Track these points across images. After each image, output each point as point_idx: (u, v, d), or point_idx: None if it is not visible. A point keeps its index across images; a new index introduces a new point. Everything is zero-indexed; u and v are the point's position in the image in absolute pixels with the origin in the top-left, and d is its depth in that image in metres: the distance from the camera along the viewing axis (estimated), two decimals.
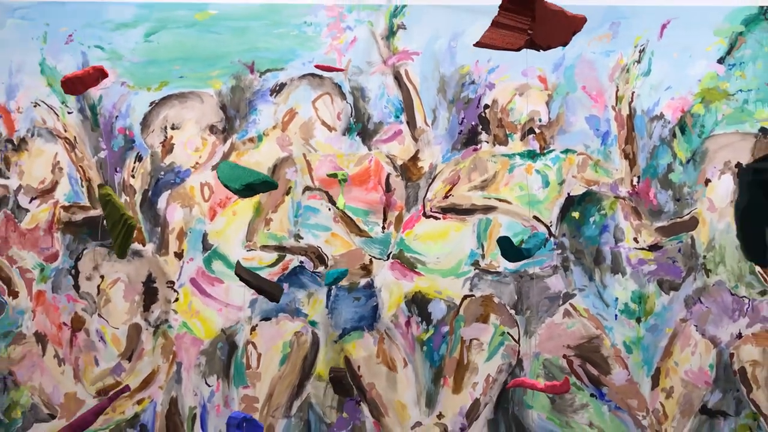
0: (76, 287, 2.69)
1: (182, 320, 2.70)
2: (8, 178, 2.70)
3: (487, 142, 2.75)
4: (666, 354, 2.70)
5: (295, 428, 2.68)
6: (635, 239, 2.71)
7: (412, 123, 2.74)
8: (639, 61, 2.74)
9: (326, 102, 2.73)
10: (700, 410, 2.70)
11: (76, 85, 1.94)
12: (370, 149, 2.74)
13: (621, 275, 2.71)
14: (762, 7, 2.73)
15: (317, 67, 2.57)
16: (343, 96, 2.73)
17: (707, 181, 2.71)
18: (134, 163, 2.71)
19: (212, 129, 2.73)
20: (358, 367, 2.69)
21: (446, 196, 2.74)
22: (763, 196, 1.53)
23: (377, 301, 2.72)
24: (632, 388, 2.70)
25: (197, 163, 2.72)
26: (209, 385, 2.69)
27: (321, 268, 2.70)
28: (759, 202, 1.56)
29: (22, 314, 2.68)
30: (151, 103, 2.72)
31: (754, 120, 2.72)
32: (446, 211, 2.74)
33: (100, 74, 1.94)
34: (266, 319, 2.70)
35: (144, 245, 2.69)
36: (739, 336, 2.70)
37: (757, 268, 2.67)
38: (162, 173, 2.71)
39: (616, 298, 2.71)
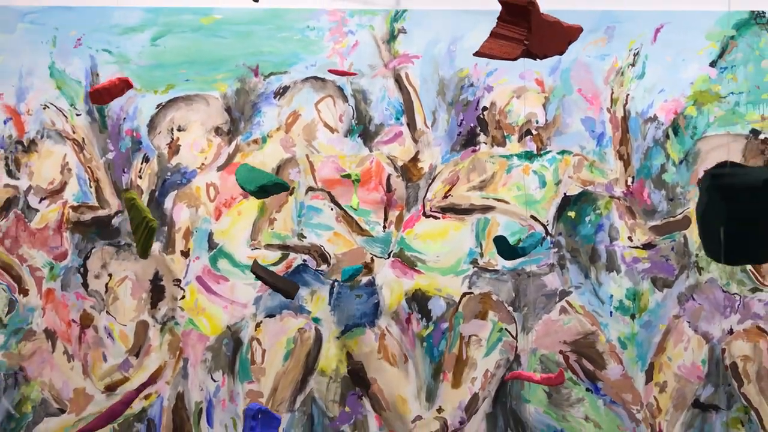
0: (85, 285, 2.71)
1: (188, 317, 2.71)
2: (18, 178, 2.71)
3: (486, 144, 2.75)
4: (659, 349, 2.72)
5: (299, 422, 2.69)
6: (630, 238, 2.72)
7: (412, 125, 2.75)
8: (633, 65, 2.74)
9: (329, 104, 2.74)
10: (692, 404, 2.72)
11: (103, 95, 1.98)
12: (371, 150, 2.75)
13: (616, 273, 2.73)
14: (753, 11, 2.73)
15: (331, 71, 2.58)
16: (345, 98, 2.74)
17: (699, 182, 2.76)
18: (141, 164, 2.72)
19: (217, 131, 2.74)
20: (360, 362, 2.72)
21: (445, 196, 2.75)
22: (718, 200, 1.59)
23: (378, 299, 2.73)
24: (627, 383, 2.72)
25: (203, 164, 2.73)
26: (215, 381, 2.70)
27: (323, 267, 2.73)
28: (715, 205, 1.62)
29: (32, 311, 2.70)
30: (158, 106, 2.72)
31: (745, 122, 2.73)
32: (445, 210, 2.75)
33: (125, 85, 1.98)
34: (270, 316, 2.71)
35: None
36: (731, 332, 2.72)
37: (749, 266, 2.72)
38: (168, 174, 2.72)
39: (611, 295, 2.73)
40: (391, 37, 2.75)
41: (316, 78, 2.74)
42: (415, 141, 2.76)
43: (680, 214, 2.72)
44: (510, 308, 2.74)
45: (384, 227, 2.74)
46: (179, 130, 2.74)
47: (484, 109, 2.75)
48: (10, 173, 2.71)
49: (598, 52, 2.75)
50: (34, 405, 2.70)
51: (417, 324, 2.74)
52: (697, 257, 2.72)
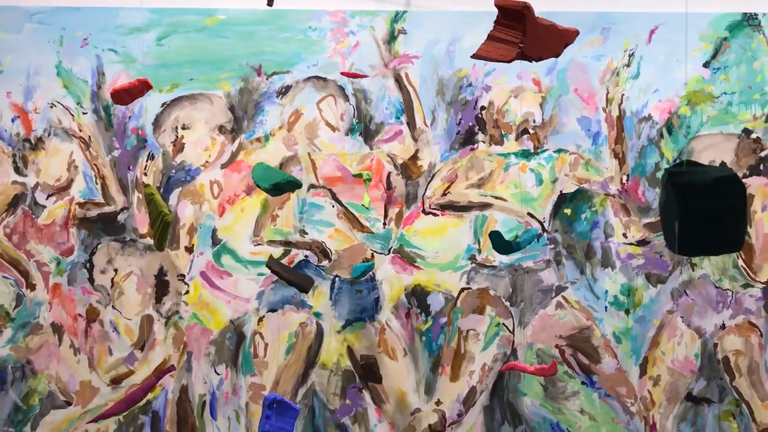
0: (91, 280, 2.74)
1: (192, 312, 2.74)
2: (26, 175, 2.73)
3: (484, 142, 2.77)
4: (653, 344, 2.75)
5: (301, 414, 2.71)
6: (624, 235, 2.75)
7: (412, 124, 2.77)
8: (628, 65, 2.76)
9: (330, 103, 2.76)
10: (685, 397, 2.75)
11: (124, 96, 2.03)
12: (371, 149, 2.77)
13: (611, 269, 2.75)
14: (745, 13, 2.76)
15: (343, 74, 2.62)
16: (346, 98, 2.76)
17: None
18: (146, 161, 2.74)
19: (221, 129, 2.76)
20: (360, 356, 2.75)
21: (444, 194, 2.77)
22: (673, 196, 1.66)
23: (378, 294, 2.75)
24: (621, 377, 2.75)
25: (207, 161, 2.75)
26: (218, 374, 2.73)
27: (325, 262, 2.76)
28: (671, 201, 1.70)
29: (39, 306, 2.72)
30: (163, 104, 2.74)
31: (737, 121, 2.76)
32: (444, 207, 2.77)
33: (144, 86, 2.03)
34: (273, 310, 2.74)
35: None
36: (723, 327, 2.75)
37: (740, 263, 2.75)
38: (173, 171, 2.75)
39: (606, 291, 2.75)
40: (392, 38, 2.77)
41: (317, 78, 2.76)
42: (415, 139, 2.78)
43: None
44: (507, 303, 2.77)
45: (384, 224, 2.77)
46: (184, 128, 2.76)
47: (483, 108, 2.77)
48: (17, 170, 2.73)
49: (593, 52, 2.77)
50: (41, 397, 2.72)
51: (416, 318, 2.76)
52: None
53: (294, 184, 2.21)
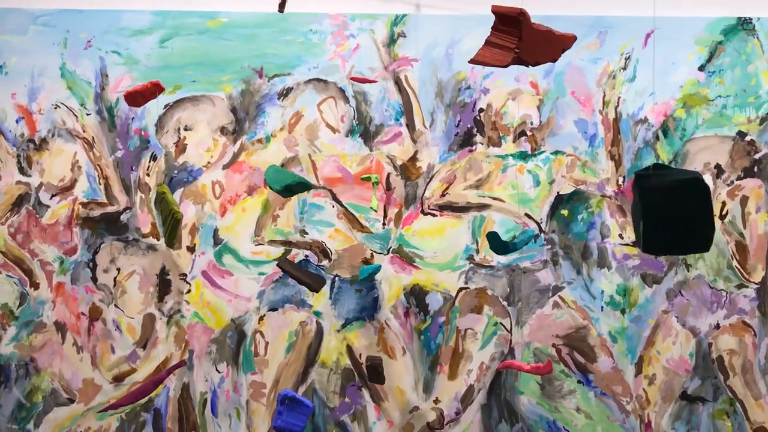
0: (94, 279, 2.76)
1: (194, 310, 2.76)
2: (30, 176, 2.75)
3: (482, 144, 2.79)
4: (649, 343, 2.77)
5: None
6: (620, 235, 2.77)
7: (411, 125, 2.79)
8: (625, 68, 2.78)
9: (330, 105, 2.78)
10: (680, 396, 2.77)
11: (137, 98, 2.06)
12: (371, 150, 2.79)
13: (607, 269, 2.77)
14: (740, 18, 2.78)
15: (353, 79, 2.64)
16: (346, 100, 2.78)
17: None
18: (149, 162, 2.76)
19: (223, 130, 2.78)
20: (360, 355, 2.76)
21: (443, 195, 2.79)
22: (638, 198, 1.72)
23: (378, 293, 2.77)
24: (617, 375, 2.77)
25: (209, 162, 2.77)
26: (219, 372, 2.75)
27: (325, 262, 2.78)
28: (636, 202, 1.76)
29: (42, 304, 2.74)
30: (165, 106, 2.75)
31: (732, 124, 2.78)
32: (443, 208, 2.79)
33: (157, 88, 2.07)
34: (273, 309, 2.76)
35: (158, 239, 2.75)
36: (717, 327, 2.77)
37: (734, 263, 2.78)
38: (175, 172, 2.76)
39: (602, 291, 2.77)
40: (391, 41, 2.79)
41: (318, 80, 2.78)
42: (414, 141, 2.80)
43: None
44: (505, 303, 2.78)
45: (383, 224, 2.79)
46: (186, 129, 2.78)
47: (481, 110, 2.79)
48: (22, 170, 2.75)
49: (590, 56, 2.79)
50: (45, 395, 2.74)
51: (415, 318, 2.78)
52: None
53: (304, 186, 2.23)
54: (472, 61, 1.61)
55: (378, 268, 2.65)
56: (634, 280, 2.78)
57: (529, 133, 2.80)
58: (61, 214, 2.77)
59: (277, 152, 2.78)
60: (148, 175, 2.77)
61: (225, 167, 2.79)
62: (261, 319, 2.77)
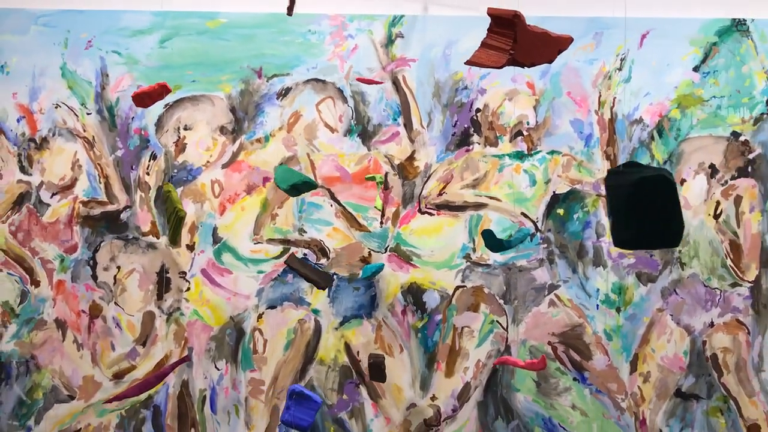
0: (94, 277, 2.77)
1: (193, 308, 2.77)
2: (31, 174, 2.77)
3: (479, 144, 2.81)
4: (643, 341, 2.78)
5: None
6: None
7: (408, 125, 2.80)
8: (620, 69, 2.79)
9: (329, 105, 2.80)
10: (675, 393, 2.78)
11: (144, 99, 2.11)
12: (369, 149, 2.80)
13: (602, 268, 2.79)
14: (734, 19, 2.80)
15: (359, 80, 2.66)
16: (344, 100, 2.79)
17: (683, 181, 2.79)
18: (149, 161, 2.78)
19: (222, 130, 2.79)
20: (357, 352, 2.77)
21: (440, 194, 2.81)
22: (607, 194, 1.77)
23: (375, 291, 2.79)
24: (612, 373, 2.78)
25: (208, 161, 2.79)
26: (218, 369, 2.77)
27: (323, 260, 2.79)
28: (607, 198, 1.81)
29: (43, 302, 2.76)
30: (165, 106, 2.77)
31: (726, 124, 2.79)
32: (440, 207, 2.80)
33: (164, 89, 2.11)
34: (272, 307, 2.78)
35: (158, 238, 2.77)
36: (711, 325, 2.78)
37: (728, 262, 2.80)
38: (175, 171, 2.78)
39: (598, 289, 2.79)
40: (389, 42, 2.81)
41: (316, 80, 2.80)
42: (412, 141, 2.81)
43: None
44: (501, 301, 2.80)
45: (381, 223, 2.80)
46: (185, 129, 2.79)
47: (478, 110, 2.81)
48: (23, 169, 2.77)
49: (586, 56, 2.81)
50: (45, 392, 2.76)
51: (412, 316, 2.80)
52: (679, 253, 2.78)
53: (310, 185, 2.26)
54: (469, 63, 1.64)
55: (381, 267, 2.66)
56: (629, 279, 2.80)
57: (525, 133, 2.81)
58: (62, 213, 2.78)
59: (275, 152, 2.79)
60: (147, 174, 2.79)
61: (224, 166, 2.80)
62: (260, 316, 2.79)
